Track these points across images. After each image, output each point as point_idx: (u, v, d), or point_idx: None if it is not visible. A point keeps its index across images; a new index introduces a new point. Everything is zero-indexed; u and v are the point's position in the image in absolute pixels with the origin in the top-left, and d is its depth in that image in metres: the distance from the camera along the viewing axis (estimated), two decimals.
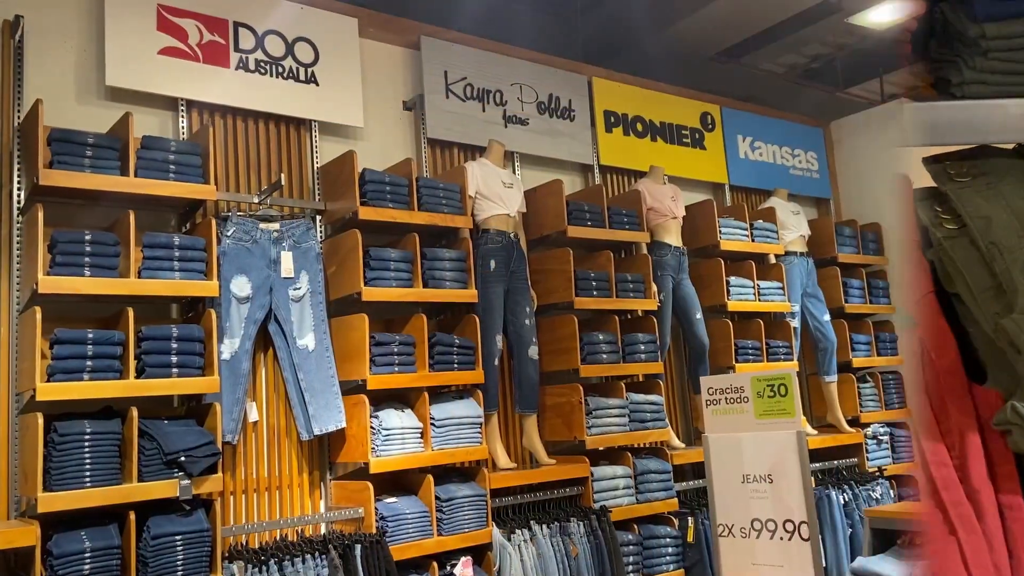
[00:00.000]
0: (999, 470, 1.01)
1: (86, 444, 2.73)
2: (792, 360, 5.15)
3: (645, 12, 5.89)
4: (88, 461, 2.73)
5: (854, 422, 5.49)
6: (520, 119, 4.66)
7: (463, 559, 3.57)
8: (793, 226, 5.48)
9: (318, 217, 3.85)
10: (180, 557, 2.79)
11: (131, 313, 2.96)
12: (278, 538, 3.30)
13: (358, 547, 3.16)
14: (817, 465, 5.10)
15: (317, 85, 3.93)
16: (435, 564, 3.48)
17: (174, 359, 3.01)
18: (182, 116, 3.58)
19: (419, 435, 3.60)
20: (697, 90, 5.63)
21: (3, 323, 3.05)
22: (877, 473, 5.31)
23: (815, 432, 5.29)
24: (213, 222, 3.25)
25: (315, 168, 3.91)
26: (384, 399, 3.66)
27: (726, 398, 1.52)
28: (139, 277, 3.04)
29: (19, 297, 3.06)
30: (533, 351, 4.17)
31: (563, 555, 3.77)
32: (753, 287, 5.09)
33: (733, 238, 5.08)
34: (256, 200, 3.66)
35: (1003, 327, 0.98)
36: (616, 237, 4.52)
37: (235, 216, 3.52)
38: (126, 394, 2.89)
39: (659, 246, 4.76)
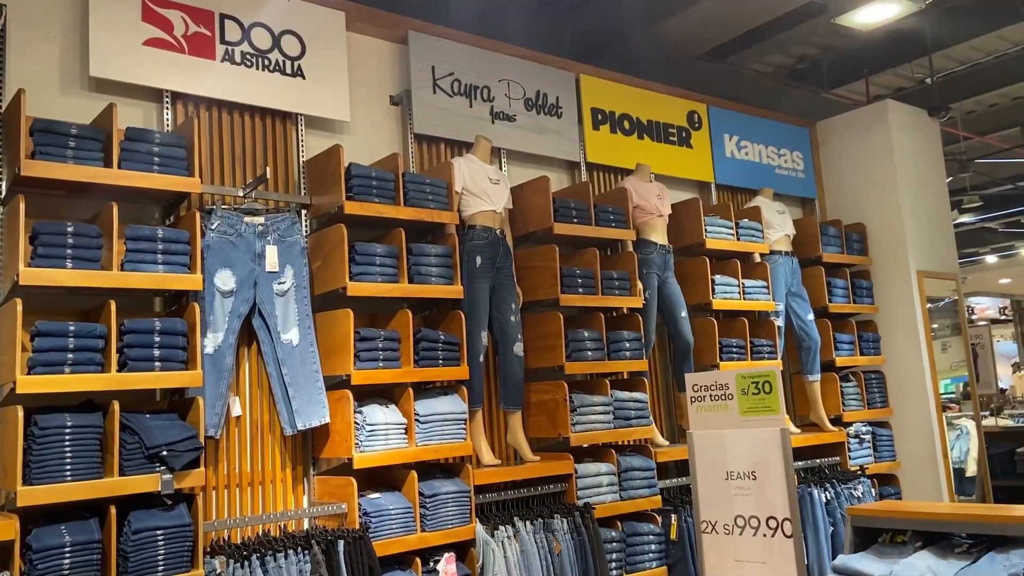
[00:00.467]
0: None
1: (67, 438, 2.71)
2: (776, 359, 5.18)
3: (633, 10, 5.91)
4: (69, 455, 2.71)
5: (836, 421, 5.54)
6: (507, 115, 4.66)
7: (446, 555, 3.57)
8: (778, 225, 5.51)
9: (303, 211, 3.83)
10: (161, 552, 2.78)
11: (113, 306, 2.93)
12: (260, 533, 3.28)
13: (341, 543, 3.15)
14: (800, 463, 5.13)
15: (303, 78, 3.91)
16: (418, 560, 3.47)
17: (157, 353, 2.99)
18: (167, 108, 3.55)
19: (403, 431, 3.60)
20: (684, 89, 5.64)
21: None
22: (859, 472, 5.36)
23: (798, 431, 5.32)
24: (197, 215, 3.23)
25: (301, 162, 3.89)
26: (368, 395, 3.65)
27: (711, 395, 1.52)
28: (122, 270, 3.01)
29: (0, 289, 3.02)
30: (518, 347, 4.17)
31: (546, 552, 3.77)
32: (738, 286, 5.11)
33: (718, 237, 5.11)
34: (241, 193, 3.63)
35: None
36: (602, 234, 4.53)
37: (220, 209, 3.50)
38: (108, 388, 2.87)
39: (645, 244, 4.77)
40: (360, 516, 3.38)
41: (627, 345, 4.48)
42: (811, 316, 5.45)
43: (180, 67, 3.55)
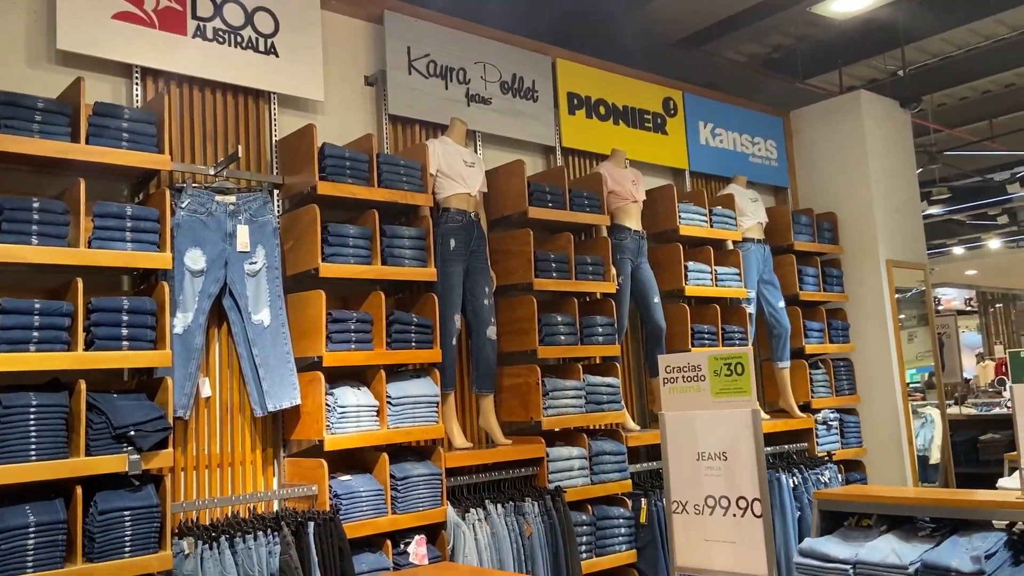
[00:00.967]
0: None
1: (31, 417, 2.66)
2: (747, 345, 5.22)
3: None
4: (34, 434, 2.66)
5: (805, 408, 5.61)
6: (483, 98, 4.63)
7: (417, 537, 3.57)
8: (751, 213, 5.55)
9: (275, 191, 3.78)
10: (128, 533, 2.74)
11: (80, 284, 2.88)
12: (229, 515, 3.25)
13: (311, 524, 3.14)
14: (768, 449, 5.19)
15: (277, 56, 3.85)
16: (389, 542, 3.47)
17: (125, 332, 2.94)
18: (136, 84, 3.48)
19: (375, 413, 3.58)
20: (660, 75, 5.65)
21: None
22: (826, 457, 5.44)
23: (767, 416, 5.39)
24: (167, 193, 3.17)
25: (273, 141, 3.84)
26: (340, 377, 3.63)
27: (683, 376, 1.53)
28: (89, 247, 2.96)
29: None
30: (491, 331, 4.17)
31: (517, 534, 3.79)
32: (710, 272, 5.15)
33: (692, 223, 5.13)
34: (212, 172, 3.58)
35: None
36: (577, 219, 4.53)
37: (190, 188, 3.44)
38: (74, 366, 2.82)
39: (619, 229, 4.79)
40: (330, 498, 3.37)
41: (600, 330, 4.50)
42: (782, 303, 5.51)
43: (150, 42, 3.48)
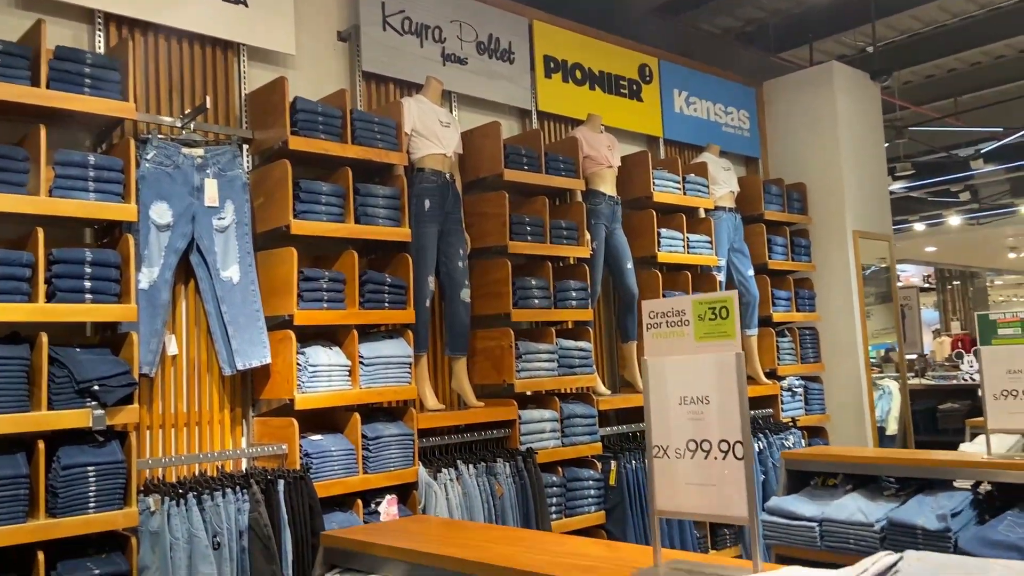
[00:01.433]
0: None
1: None
2: None
3: None
4: None
5: (771, 374, 5.69)
6: (458, 58, 4.56)
7: (388, 497, 3.55)
8: (723, 182, 5.57)
9: (245, 147, 3.69)
10: (92, 488, 2.68)
11: (41, 234, 2.78)
12: (197, 473, 3.20)
13: (281, 482, 3.10)
14: None
15: (246, 6, 3.74)
16: (360, 502, 3.45)
17: (88, 284, 2.86)
18: (99, 29, 3.35)
19: (347, 373, 3.54)
20: (637, 42, 5.61)
21: None
22: (790, 423, 5.53)
23: None
24: (132, 142, 3.07)
25: (243, 94, 3.74)
26: (311, 336, 3.58)
27: (667, 321, 1.52)
28: (50, 196, 2.85)
29: None
30: (465, 294, 4.14)
31: (489, 494, 3.79)
32: (683, 240, 5.16)
33: (666, 190, 5.13)
34: (179, 124, 3.48)
35: None
36: (552, 183, 4.50)
37: (155, 139, 3.34)
38: (35, 319, 2.73)
39: (594, 194, 4.77)
40: (301, 457, 3.33)
41: (573, 295, 4.50)
42: (751, 272, 5.55)
43: None
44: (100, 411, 2.74)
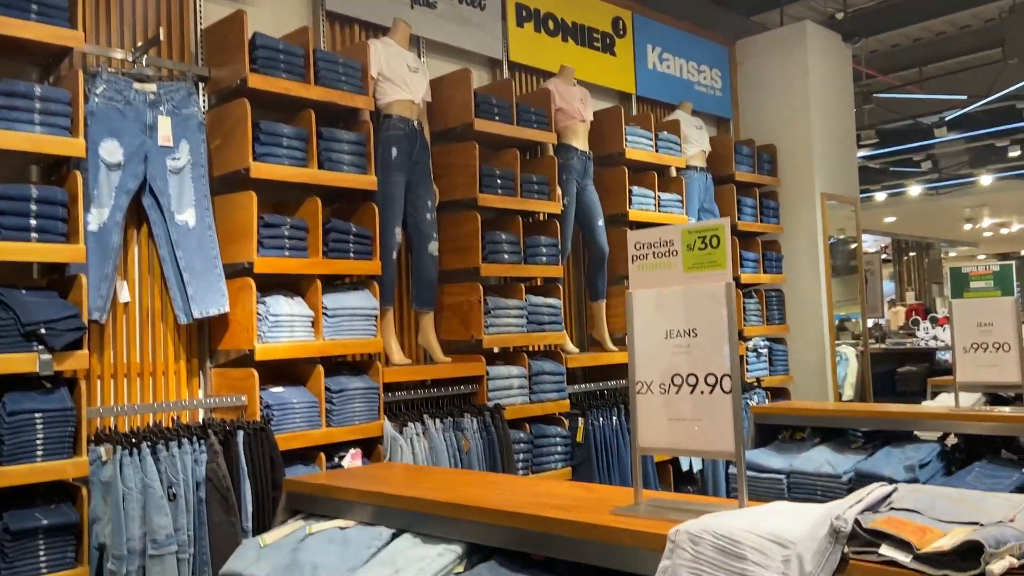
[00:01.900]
0: None
1: None
2: None
3: None
4: None
5: (737, 335, 5.68)
6: (428, 1, 4.39)
7: (352, 451, 3.47)
8: (695, 140, 5.50)
9: (201, 85, 3.51)
10: (40, 436, 2.55)
11: None
12: (152, 424, 3.08)
13: (240, 433, 2.99)
14: None
15: None
16: (323, 455, 3.36)
17: (33, 223, 2.69)
18: None
19: (310, 323, 3.43)
20: None
21: None
22: (755, 383, 5.55)
23: None
24: (80, 74, 2.89)
25: (198, 29, 3.54)
26: (273, 286, 3.45)
27: (654, 252, 1.44)
28: None
29: None
30: (433, 247, 4.03)
31: (455, 449, 3.73)
32: (654, 198, 5.10)
33: (638, 147, 5.05)
34: (130, 58, 3.29)
35: None
36: (524, 135, 4.38)
37: (105, 73, 3.15)
38: None
39: (566, 149, 4.67)
40: (261, 409, 3.22)
41: (544, 251, 4.41)
42: None
43: None
44: (47, 356, 2.59)
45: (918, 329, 10.29)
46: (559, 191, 4.55)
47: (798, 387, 6.03)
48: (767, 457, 3.19)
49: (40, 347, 2.59)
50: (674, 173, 5.35)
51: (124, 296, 3.25)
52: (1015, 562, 0.97)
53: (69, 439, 2.63)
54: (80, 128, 2.85)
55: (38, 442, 2.55)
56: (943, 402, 3.99)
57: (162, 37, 3.23)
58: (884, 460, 2.86)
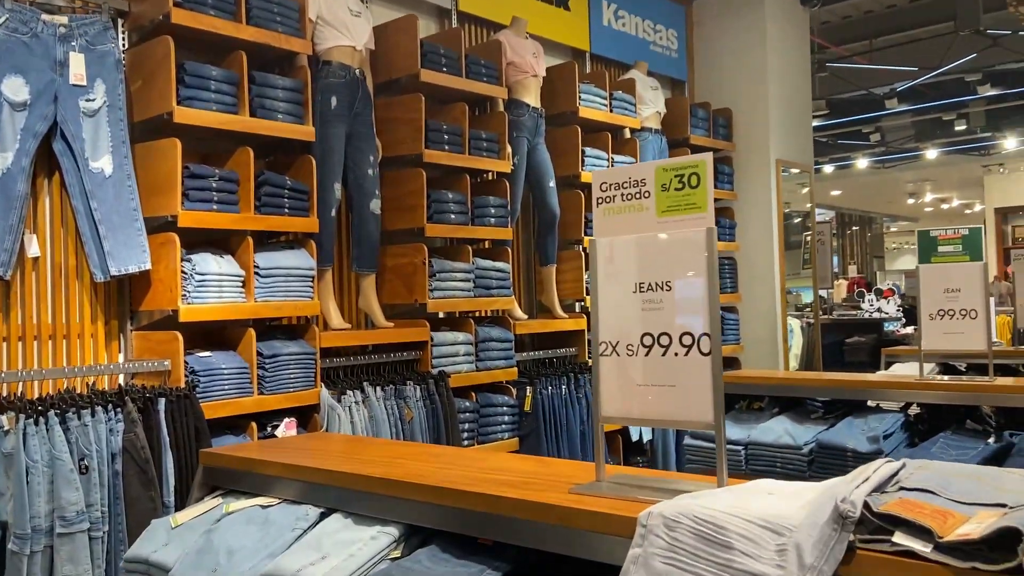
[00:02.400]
0: None
1: None
2: None
3: None
4: None
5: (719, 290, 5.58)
6: None
7: (286, 420, 3.25)
8: (650, 101, 5.34)
9: (120, 21, 3.18)
10: None
11: None
12: (64, 390, 2.80)
13: (162, 401, 2.74)
14: None
15: None
16: (254, 424, 3.13)
17: None
18: None
19: (240, 284, 3.18)
20: None
21: None
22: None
23: None
24: None
25: None
26: (200, 243, 3.18)
27: (622, 194, 1.25)
28: None
29: None
30: (375, 205, 3.79)
31: (397, 418, 3.53)
32: (608, 160, 4.92)
33: (592, 106, 4.86)
34: None
35: None
36: (473, 89, 4.15)
37: (9, 1, 2.81)
38: None
39: (517, 105, 4.44)
40: (186, 375, 2.97)
41: (492, 211, 4.21)
42: None
43: None
44: None
45: (863, 301, 10.41)
46: (509, 149, 4.34)
47: (749, 357, 5.98)
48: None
49: None
50: (628, 135, 5.18)
51: (33, 251, 2.95)
52: None
53: None
54: None
55: None
56: (898, 372, 3.93)
57: None
58: (846, 431, 2.76)
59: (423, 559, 1.30)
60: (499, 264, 4.25)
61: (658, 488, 1.22)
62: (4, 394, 2.67)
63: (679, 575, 0.97)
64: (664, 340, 1.22)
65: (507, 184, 4.30)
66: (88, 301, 3.08)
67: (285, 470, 1.60)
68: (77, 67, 2.92)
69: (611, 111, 5.00)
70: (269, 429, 3.20)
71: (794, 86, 6.30)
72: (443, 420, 3.66)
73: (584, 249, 4.80)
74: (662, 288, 1.22)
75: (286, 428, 3.20)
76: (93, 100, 2.96)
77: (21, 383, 2.79)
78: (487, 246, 4.40)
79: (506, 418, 4.13)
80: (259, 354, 3.19)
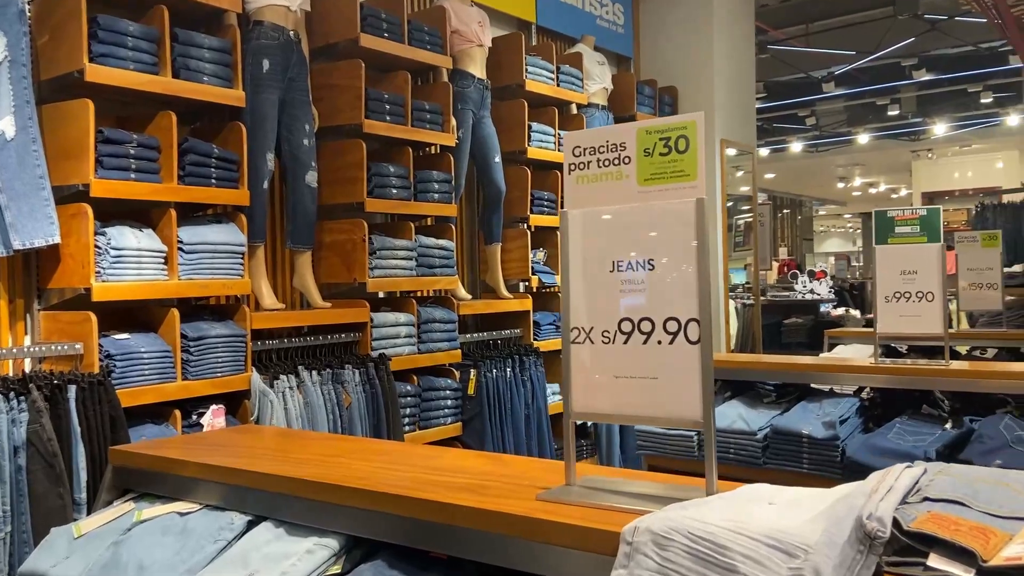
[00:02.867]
0: None
1: None
2: None
3: None
4: None
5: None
6: None
7: (213, 407, 3.01)
8: (597, 77, 5.20)
9: None
10: None
11: None
12: None
13: (72, 388, 2.49)
14: None
15: None
16: (178, 412, 2.90)
17: None
18: None
19: (162, 260, 2.92)
20: None
21: None
22: None
23: None
24: None
25: None
26: (116, 214, 2.92)
27: (598, 160, 1.10)
28: None
29: None
30: (311, 177, 3.56)
31: (335, 404, 3.33)
32: (554, 136, 4.77)
33: (539, 79, 4.69)
34: None
35: None
36: (416, 56, 3.93)
37: None
38: None
39: (461, 75, 4.25)
40: (101, 359, 2.72)
41: (436, 186, 4.02)
42: None
43: None
44: None
45: (796, 283, 10.56)
46: (453, 122, 4.15)
47: None
48: (729, 411, 2.97)
49: None
50: (575, 110, 5.03)
51: None
52: None
53: None
54: None
55: None
56: (843, 354, 3.91)
57: None
58: (801, 416, 2.69)
59: (367, 575, 1.14)
60: (443, 242, 4.07)
61: (638, 494, 1.08)
62: None
63: None
64: (645, 326, 1.07)
65: (451, 158, 4.12)
66: None
67: (207, 471, 1.41)
68: None
69: (558, 85, 4.84)
70: (194, 417, 2.97)
71: (739, 66, 6.25)
72: (383, 405, 3.48)
73: (530, 227, 4.66)
74: (644, 267, 1.07)
75: (213, 416, 2.97)
76: None
77: None
78: (429, 223, 4.22)
79: (449, 402, 3.97)
80: (183, 336, 2.95)
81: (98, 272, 2.76)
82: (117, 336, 2.83)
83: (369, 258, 3.66)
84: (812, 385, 2.87)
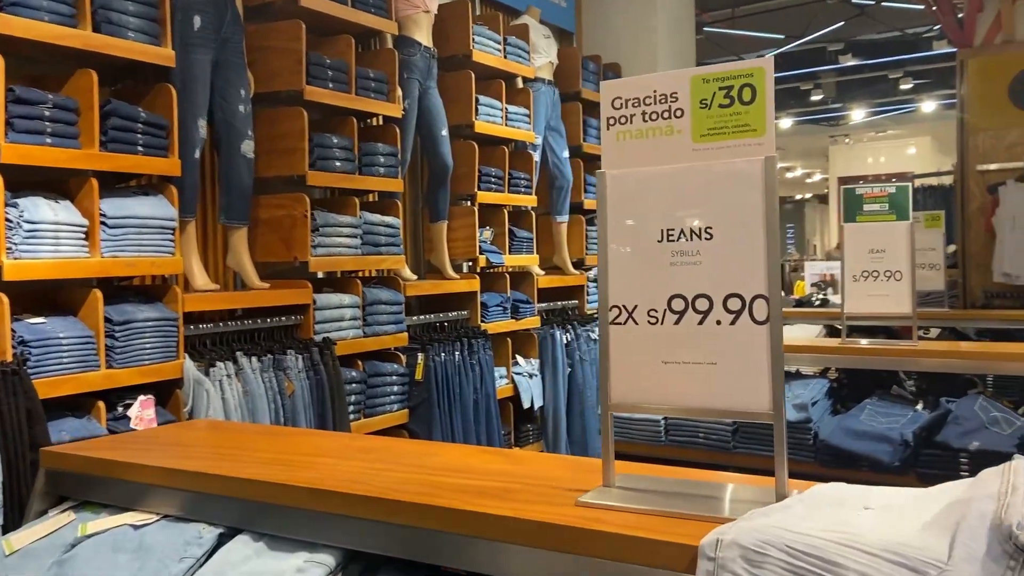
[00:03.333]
0: None
1: None
2: (531, 195, 4.84)
3: None
4: None
5: (579, 264, 5.41)
6: None
7: (141, 398, 2.75)
8: (544, 50, 5.05)
9: None
10: None
11: None
12: None
13: None
14: (542, 305, 4.93)
15: None
16: (102, 404, 2.62)
17: None
18: None
19: (82, 236, 2.63)
20: None
21: None
22: (596, 315, 5.32)
23: (542, 272, 5.09)
24: None
25: None
26: (29, 183, 2.60)
27: (644, 113, 0.94)
28: None
29: None
30: (247, 147, 3.29)
31: (276, 393, 3.10)
32: (501, 110, 4.60)
33: (486, 50, 4.50)
34: None
35: None
36: (359, 20, 3.69)
37: None
38: None
39: (407, 43, 4.02)
40: (14, 346, 2.42)
41: (381, 159, 3.80)
42: (566, 154, 5.15)
43: None
44: None
45: None
46: (399, 91, 3.92)
47: None
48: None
49: None
50: (521, 84, 4.87)
51: None
52: None
53: None
54: None
55: None
56: (795, 334, 3.89)
57: None
58: None
59: None
60: (388, 219, 3.86)
61: (698, 496, 0.95)
62: None
63: None
64: (701, 304, 0.93)
65: (397, 130, 3.90)
66: None
67: (164, 475, 1.20)
68: None
69: (505, 57, 4.67)
70: (120, 409, 2.69)
71: (680, 46, 6.20)
72: (329, 393, 3.26)
73: (477, 205, 4.48)
74: (700, 236, 0.93)
75: (141, 408, 2.71)
76: None
77: None
78: (372, 199, 3.99)
79: (395, 388, 3.78)
80: (107, 320, 2.66)
81: (9, 248, 2.45)
82: (32, 320, 2.54)
83: (311, 235, 3.43)
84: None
